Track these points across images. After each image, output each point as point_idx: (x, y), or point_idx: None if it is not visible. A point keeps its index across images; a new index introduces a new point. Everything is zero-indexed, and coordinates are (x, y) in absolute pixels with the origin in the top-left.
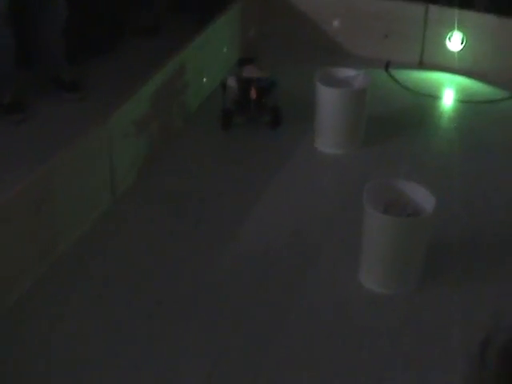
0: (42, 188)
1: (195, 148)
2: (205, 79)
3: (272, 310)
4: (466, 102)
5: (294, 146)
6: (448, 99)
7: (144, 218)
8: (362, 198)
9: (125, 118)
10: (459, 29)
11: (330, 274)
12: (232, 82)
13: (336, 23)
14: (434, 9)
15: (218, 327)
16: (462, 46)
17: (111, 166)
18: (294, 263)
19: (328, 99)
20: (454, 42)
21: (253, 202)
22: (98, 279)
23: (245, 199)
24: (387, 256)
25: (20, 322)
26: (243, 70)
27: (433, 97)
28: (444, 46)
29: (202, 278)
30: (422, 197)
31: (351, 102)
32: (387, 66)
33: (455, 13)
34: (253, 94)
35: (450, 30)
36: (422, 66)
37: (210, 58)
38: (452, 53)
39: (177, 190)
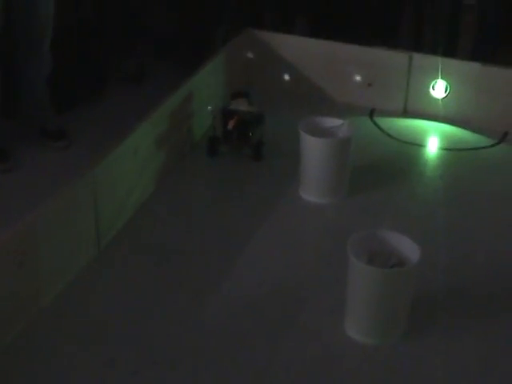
0: (24, 241)
1: (182, 194)
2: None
3: (256, 363)
4: (451, 150)
5: (279, 193)
6: (432, 147)
7: (128, 271)
8: (347, 248)
9: (109, 169)
10: (443, 77)
11: (316, 325)
12: (218, 113)
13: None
14: (417, 57)
15: None
16: (445, 94)
17: (96, 216)
18: (278, 315)
19: (312, 148)
20: (438, 89)
21: (237, 254)
22: (80, 335)
23: (229, 250)
24: (372, 306)
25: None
26: (232, 103)
27: (417, 145)
28: (428, 93)
29: (184, 337)
30: (407, 247)
31: (335, 152)
32: (371, 113)
33: (439, 61)
34: (230, 124)
35: (434, 78)
36: (406, 113)
37: (194, 106)
38: (436, 100)
39: (161, 242)
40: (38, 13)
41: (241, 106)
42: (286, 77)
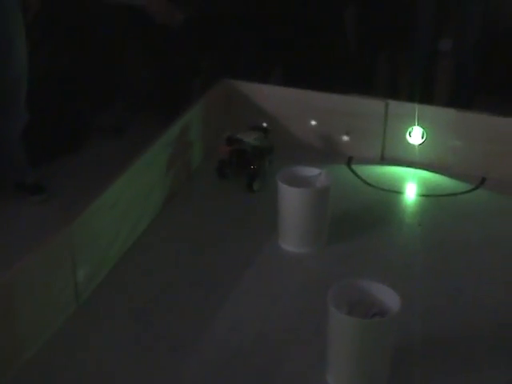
0: (1, 298)
1: (160, 247)
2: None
3: None
4: (429, 196)
5: (258, 243)
6: (410, 193)
7: (107, 327)
8: (326, 299)
9: (87, 223)
10: (419, 123)
11: (298, 378)
12: (223, 139)
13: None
14: (394, 104)
15: None
16: (422, 140)
17: (74, 272)
18: (259, 369)
19: (290, 198)
20: (415, 136)
21: (216, 308)
22: None
23: (208, 305)
24: (354, 357)
25: None
26: (242, 133)
27: (395, 192)
28: (405, 140)
29: None
30: (387, 296)
31: (314, 202)
32: (349, 161)
33: (415, 108)
34: (221, 150)
35: (411, 125)
36: (384, 160)
37: (172, 157)
38: (413, 147)
39: (139, 296)
40: (13, 66)
41: (247, 137)
42: (264, 126)
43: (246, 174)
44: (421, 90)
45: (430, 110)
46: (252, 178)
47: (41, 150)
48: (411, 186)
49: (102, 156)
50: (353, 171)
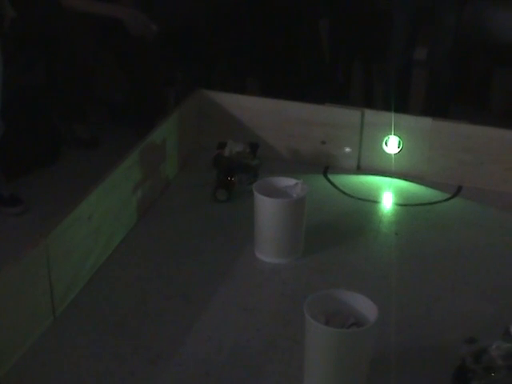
0: None
1: (137, 257)
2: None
3: None
4: (405, 205)
5: (234, 253)
6: (387, 203)
7: (84, 339)
8: (303, 309)
9: (63, 236)
10: (396, 132)
11: None
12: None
13: (347, 150)
14: (369, 113)
15: None
16: (398, 150)
17: (50, 285)
18: (237, 379)
19: (266, 209)
20: (391, 145)
21: (193, 319)
22: None
23: (185, 316)
24: (331, 367)
25: None
26: (235, 143)
27: (372, 201)
28: (381, 149)
29: None
30: (364, 306)
31: (290, 212)
32: (325, 171)
33: (391, 117)
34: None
35: (387, 134)
36: (360, 170)
37: (147, 168)
38: (389, 156)
39: (116, 308)
40: None
41: (236, 148)
42: (239, 136)
43: (216, 182)
44: (396, 99)
45: (406, 119)
46: (217, 186)
47: (16, 162)
48: (388, 195)
49: (77, 168)
50: (329, 181)
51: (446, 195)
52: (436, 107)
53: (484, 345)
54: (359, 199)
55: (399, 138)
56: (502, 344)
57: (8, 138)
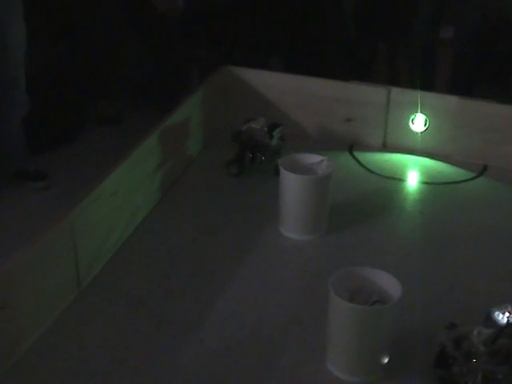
0: (2, 286)
1: (161, 234)
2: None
3: None
4: (430, 184)
5: (259, 229)
6: (412, 181)
7: (107, 314)
8: (328, 285)
9: (88, 211)
10: (422, 111)
11: (297, 363)
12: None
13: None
14: (396, 91)
15: None
16: (425, 128)
17: (75, 259)
18: (258, 357)
19: (292, 185)
20: (417, 123)
21: (216, 296)
22: (59, 381)
23: (208, 293)
24: (354, 344)
25: None
26: (257, 121)
27: (397, 179)
28: (407, 127)
29: (164, 381)
30: (388, 283)
31: (315, 189)
32: (351, 148)
33: (417, 95)
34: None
35: (413, 112)
36: (386, 148)
37: (172, 145)
38: (415, 134)
39: (140, 284)
40: (10, 54)
41: (258, 124)
42: (263, 113)
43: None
44: (422, 78)
45: (432, 98)
46: (230, 161)
47: (41, 137)
48: (413, 173)
49: (101, 144)
50: (355, 158)
51: (472, 174)
52: (462, 86)
53: (465, 330)
54: (384, 177)
55: (426, 116)
56: (483, 330)
57: (33, 113)
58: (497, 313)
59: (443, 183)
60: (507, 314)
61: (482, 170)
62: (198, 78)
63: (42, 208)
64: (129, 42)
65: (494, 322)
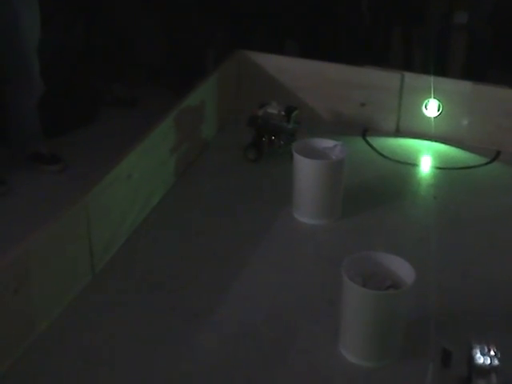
0: (19, 267)
1: (175, 217)
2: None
3: None
4: (444, 169)
5: (273, 213)
6: (425, 166)
7: (122, 296)
8: (341, 270)
9: (103, 195)
10: (435, 96)
11: (311, 347)
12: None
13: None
14: (409, 76)
15: None
16: (438, 113)
17: (90, 243)
18: (273, 339)
19: (305, 170)
20: (431, 109)
21: (231, 278)
22: (75, 361)
23: (223, 275)
24: (368, 328)
25: None
26: (273, 105)
27: (410, 164)
28: (420, 113)
29: (177, 363)
30: (402, 268)
31: (329, 174)
32: (364, 133)
33: (431, 80)
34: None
35: (426, 98)
36: (399, 133)
37: (187, 129)
38: (428, 119)
39: (155, 267)
40: (22, 39)
41: (274, 109)
42: (278, 98)
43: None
44: (436, 63)
45: (445, 83)
46: (248, 146)
47: (56, 121)
48: (426, 158)
49: (116, 127)
50: (368, 143)
51: (485, 160)
52: (476, 71)
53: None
54: (398, 162)
55: (439, 101)
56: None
57: (48, 97)
58: (478, 355)
59: (456, 168)
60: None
61: (496, 156)
62: (212, 62)
63: (57, 191)
64: (144, 25)
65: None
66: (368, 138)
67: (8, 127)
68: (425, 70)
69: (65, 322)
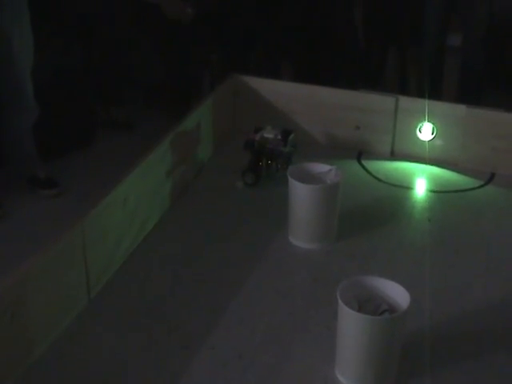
0: (15, 292)
1: (171, 242)
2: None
3: None
4: (438, 192)
5: (268, 237)
6: (420, 189)
7: (119, 320)
8: (337, 295)
9: (99, 219)
10: (429, 119)
11: (307, 371)
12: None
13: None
14: (404, 100)
15: None
16: (432, 136)
17: (86, 267)
18: (268, 364)
19: (300, 195)
20: (425, 132)
21: (227, 302)
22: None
23: (219, 299)
24: (363, 353)
25: None
26: (269, 130)
27: (405, 187)
28: (415, 135)
29: None
30: (397, 293)
31: (324, 198)
32: (359, 156)
33: (425, 103)
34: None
35: (421, 121)
36: (394, 156)
37: (183, 152)
38: (423, 142)
39: (150, 291)
40: (16, 63)
41: (268, 133)
42: (273, 121)
43: (247, 165)
44: (430, 86)
45: (440, 106)
46: (246, 170)
47: (52, 144)
48: (421, 181)
49: (112, 150)
50: (363, 166)
51: (479, 182)
52: (469, 94)
53: None
54: (393, 185)
55: (433, 124)
56: None
57: (44, 119)
58: None
59: (451, 191)
60: None
61: (490, 178)
62: (208, 84)
63: (54, 215)
64: (140, 48)
65: None
66: (363, 161)
67: (4, 151)
68: (419, 92)
69: (61, 347)
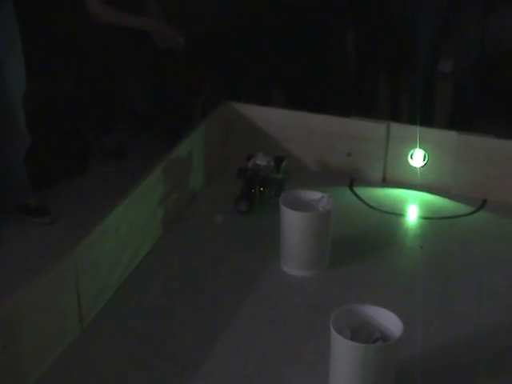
0: (7, 323)
1: (163, 271)
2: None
3: None
4: (430, 219)
5: (261, 265)
6: (412, 216)
7: (111, 350)
8: (330, 323)
9: (91, 247)
10: (421, 146)
11: None
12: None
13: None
14: (395, 126)
15: None
16: (424, 163)
17: (78, 296)
18: None
19: (292, 222)
20: (416, 158)
21: (220, 331)
22: None
23: (212, 328)
24: (356, 381)
25: None
26: (262, 157)
27: (397, 214)
28: (406, 162)
29: None
30: (390, 321)
31: (316, 225)
32: (351, 183)
33: (417, 130)
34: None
35: (412, 147)
36: (386, 183)
37: (175, 180)
38: (414, 169)
39: (143, 320)
40: (8, 91)
41: (262, 161)
42: (265, 149)
43: (240, 193)
44: (422, 113)
45: (431, 133)
46: (239, 198)
47: (44, 172)
48: (413, 208)
49: (104, 178)
50: (355, 193)
51: (471, 209)
52: (461, 120)
53: None
54: (384, 212)
55: (425, 151)
56: None
57: (36, 148)
58: None
59: (443, 218)
60: None
61: (482, 205)
62: (200, 112)
63: (45, 244)
64: (132, 75)
65: None
66: (355, 189)
67: None
68: (410, 119)
69: (53, 377)
